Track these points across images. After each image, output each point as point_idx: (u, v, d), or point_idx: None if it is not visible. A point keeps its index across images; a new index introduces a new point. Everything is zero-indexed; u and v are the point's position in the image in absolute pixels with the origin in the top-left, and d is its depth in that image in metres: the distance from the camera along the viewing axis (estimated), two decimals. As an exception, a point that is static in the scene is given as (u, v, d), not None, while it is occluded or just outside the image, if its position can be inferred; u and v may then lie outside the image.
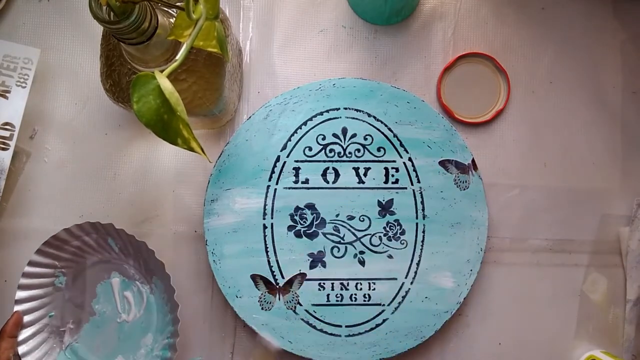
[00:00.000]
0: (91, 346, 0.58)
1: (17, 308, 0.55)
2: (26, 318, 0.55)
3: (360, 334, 0.57)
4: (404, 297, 0.57)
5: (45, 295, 0.57)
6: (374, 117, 0.58)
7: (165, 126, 0.40)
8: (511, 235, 0.60)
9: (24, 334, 0.55)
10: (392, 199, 0.58)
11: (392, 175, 0.58)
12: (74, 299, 0.58)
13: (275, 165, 0.57)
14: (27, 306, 0.56)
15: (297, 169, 0.58)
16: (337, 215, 0.57)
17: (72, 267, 0.58)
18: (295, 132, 0.58)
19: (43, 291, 0.57)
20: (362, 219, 0.58)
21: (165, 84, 0.39)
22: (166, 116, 0.40)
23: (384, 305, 0.57)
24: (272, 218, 0.57)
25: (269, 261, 0.57)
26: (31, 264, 0.55)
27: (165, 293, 0.56)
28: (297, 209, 0.57)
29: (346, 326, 0.57)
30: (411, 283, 0.57)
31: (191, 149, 0.42)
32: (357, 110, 0.58)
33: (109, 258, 0.58)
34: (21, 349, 0.54)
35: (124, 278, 0.58)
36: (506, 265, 0.60)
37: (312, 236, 0.57)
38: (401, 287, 0.57)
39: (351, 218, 0.57)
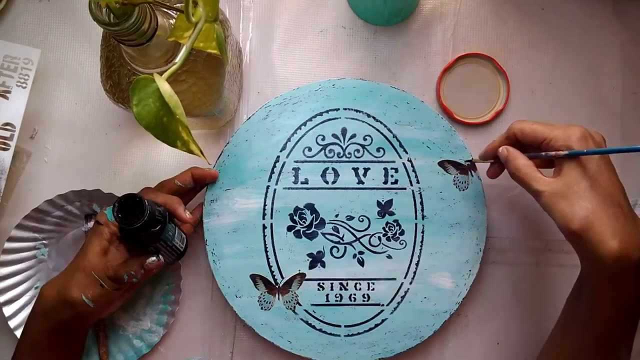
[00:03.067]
0: None
1: (0, 285, 0.56)
2: (12, 292, 0.56)
3: (359, 333, 0.57)
4: (403, 297, 0.57)
5: (28, 269, 0.58)
6: (374, 118, 0.58)
7: (164, 129, 0.40)
8: (510, 236, 0.60)
9: (11, 309, 0.56)
10: (392, 200, 0.58)
11: (392, 176, 0.58)
12: (59, 268, 0.58)
13: (274, 166, 0.58)
14: (11, 282, 0.56)
15: (296, 169, 0.58)
16: (336, 216, 0.58)
17: (54, 237, 0.58)
18: (295, 132, 0.58)
19: (25, 265, 0.57)
20: (361, 219, 0.58)
21: (164, 87, 0.39)
22: (165, 119, 0.40)
23: (383, 305, 0.57)
24: (271, 218, 0.57)
25: (268, 261, 0.57)
26: (11, 239, 0.56)
27: None
28: (297, 209, 0.57)
29: (345, 326, 0.57)
30: (410, 283, 0.57)
31: (190, 152, 0.42)
32: (356, 110, 0.58)
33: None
34: (11, 324, 0.55)
35: None
36: (505, 266, 0.60)
37: (311, 236, 0.57)
38: (400, 287, 0.57)
39: (350, 218, 0.58)
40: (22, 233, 0.57)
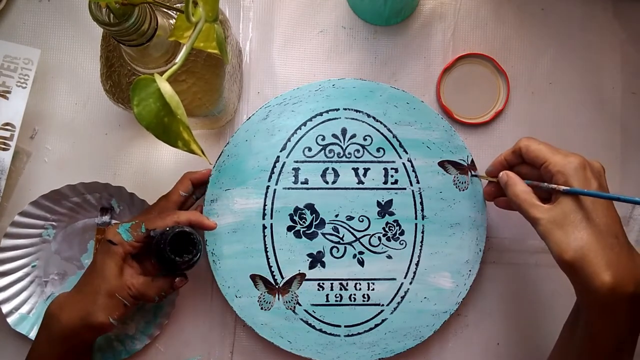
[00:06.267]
0: None
1: (0, 255, 0.56)
2: (7, 266, 0.57)
3: (359, 334, 0.57)
4: (402, 298, 0.57)
5: (30, 246, 0.58)
6: (374, 118, 0.58)
7: (165, 129, 0.40)
8: (510, 236, 0.60)
9: (3, 281, 0.56)
10: (392, 200, 0.58)
11: (392, 176, 0.58)
12: (61, 252, 0.59)
13: (274, 166, 0.58)
14: (9, 254, 0.57)
15: (296, 170, 0.58)
16: (336, 216, 0.58)
17: (65, 221, 0.59)
18: (295, 132, 0.58)
19: (29, 241, 0.58)
20: (361, 220, 0.58)
21: (165, 87, 0.39)
22: (166, 119, 0.40)
23: (383, 305, 0.57)
24: (271, 218, 0.57)
25: (268, 261, 0.57)
26: (22, 214, 0.56)
27: None
28: (297, 209, 0.57)
29: (345, 326, 0.57)
30: (410, 283, 0.57)
31: (192, 152, 0.42)
32: (356, 110, 0.58)
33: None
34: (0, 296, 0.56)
35: None
36: (505, 266, 0.60)
37: (311, 236, 0.57)
38: (400, 287, 0.57)
39: (350, 218, 0.58)
40: (34, 210, 0.57)
